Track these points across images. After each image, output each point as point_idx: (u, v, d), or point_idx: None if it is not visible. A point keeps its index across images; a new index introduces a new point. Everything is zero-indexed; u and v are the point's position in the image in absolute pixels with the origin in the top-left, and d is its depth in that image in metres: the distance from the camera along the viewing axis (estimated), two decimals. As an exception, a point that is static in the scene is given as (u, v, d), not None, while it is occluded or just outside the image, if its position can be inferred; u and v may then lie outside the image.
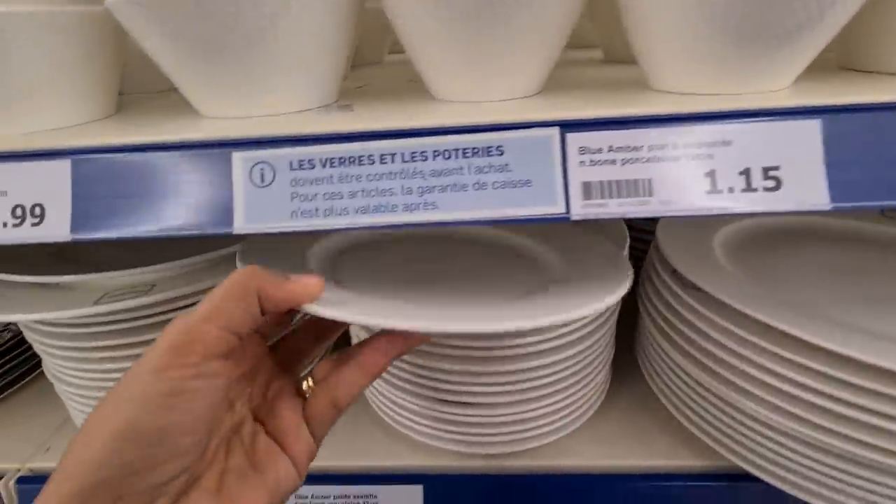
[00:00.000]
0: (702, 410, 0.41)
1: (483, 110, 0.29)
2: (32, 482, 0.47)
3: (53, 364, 0.44)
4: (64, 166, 0.28)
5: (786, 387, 0.34)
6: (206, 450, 0.24)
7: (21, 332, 0.56)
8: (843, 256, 0.46)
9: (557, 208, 0.25)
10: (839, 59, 0.36)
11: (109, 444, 0.20)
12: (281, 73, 0.31)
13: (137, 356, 0.41)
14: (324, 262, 0.40)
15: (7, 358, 0.54)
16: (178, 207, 0.28)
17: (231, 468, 0.25)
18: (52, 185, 0.28)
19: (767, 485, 0.37)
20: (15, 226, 0.28)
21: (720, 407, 0.39)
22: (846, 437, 0.32)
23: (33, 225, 0.28)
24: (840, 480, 0.34)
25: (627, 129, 0.25)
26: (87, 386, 0.43)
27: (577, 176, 0.25)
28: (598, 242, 0.43)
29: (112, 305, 0.36)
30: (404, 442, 0.46)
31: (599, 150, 0.26)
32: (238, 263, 0.34)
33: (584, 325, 0.41)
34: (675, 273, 0.41)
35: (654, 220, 0.51)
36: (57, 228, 0.28)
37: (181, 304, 0.39)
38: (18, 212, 0.28)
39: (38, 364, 0.57)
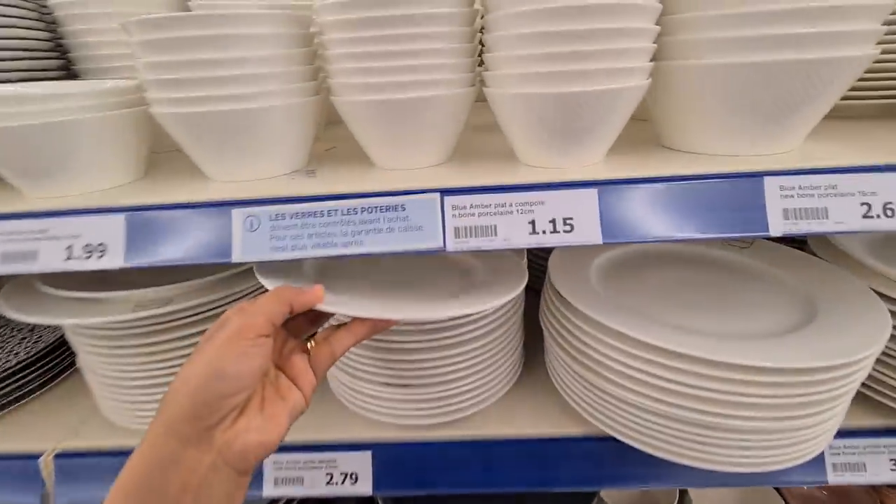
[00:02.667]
0: (580, 391, 0.55)
1: (398, 178, 0.44)
2: (67, 457, 0.60)
3: (90, 360, 0.58)
4: (119, 218, 0.43)
5: (630, 371, 0.48)
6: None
7: (53, 342, 0.70)
8: (688, 275, 0.62)
9: (439, 244, 0.40)
10: (658, 139, 0.52)
11: (203, 381, 0.34)
12: (264, 153, 0.46)
13: (157, 353, 0.55)
14: (316, 272, 0.56)
15: (45, 360, 0.68)
16: (195, 244, 0.42)
17: (267, 396, 0.39)
18: (112, 230, 0.43)
19: (625, 444, 0.51)
20: (86, 258, 0.43)
21: (590, 389, 0.53)
22: (673, 404, 0.46)
23: (98, 257, 0.42)
24: (674, 436, 0.48)
25: (482, 194, 0.41)
26: (115, 377, 0.56)
27: (451, 223, 0.41)
28: (512, 260, 0.58)
29: (147, 311, 0.50)
30: (357, 418, 0.60)
31: (465, 207, 0.41)
32: (256, 274, 0.48)
33: (491, 321, 0.55)
34: (555, 289, 0.56)
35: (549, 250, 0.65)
36: (114, 260, 0.42)
37: (195, 312, 0.54)
38: (88, 249, 0.43)
39: (69, 366, 0.71)
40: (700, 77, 0.41)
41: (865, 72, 0.48)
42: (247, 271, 0.59)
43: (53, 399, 0.68)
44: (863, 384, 0.52)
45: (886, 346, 0.50)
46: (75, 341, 0.58)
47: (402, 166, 0.49)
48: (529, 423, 0.58)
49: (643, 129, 0.56)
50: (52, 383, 0.68)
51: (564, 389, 0.57)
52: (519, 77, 0.40)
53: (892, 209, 0.39)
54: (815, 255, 0.62)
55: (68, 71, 0.61)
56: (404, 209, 0.41)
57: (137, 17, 0.41)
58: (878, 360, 0.52)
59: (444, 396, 0.56)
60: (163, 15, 0.41)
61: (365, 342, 0.53)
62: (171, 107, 0.43)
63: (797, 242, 0.68)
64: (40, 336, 0.73)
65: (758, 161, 0.42)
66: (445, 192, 0.41)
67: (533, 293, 0.63)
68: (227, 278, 0.57)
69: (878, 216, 0.39)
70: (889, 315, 0.47)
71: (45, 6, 0.58)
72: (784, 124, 0.42)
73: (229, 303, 0.56)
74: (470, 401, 0.57)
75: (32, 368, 0.66)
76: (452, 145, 0.50)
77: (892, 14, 0.50)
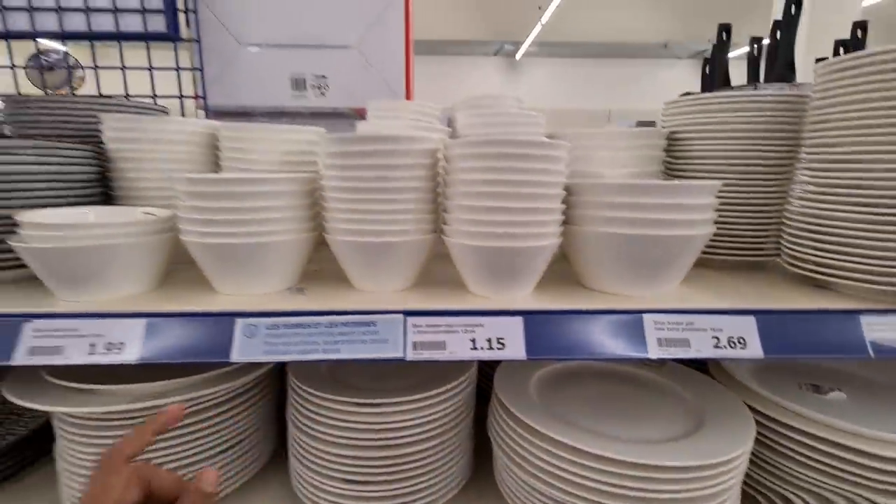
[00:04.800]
0: (520, 493, 0.62)
1: (371, 299, 0.57)
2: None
3: (72, 448, 0.62)
4: (141, 322, 0.53)
5: (558, 471, 0.57)
6: None
7: (32, 430, 0.73)
8: (610, 388, 0.73)
9: (399, 354, 0.51)
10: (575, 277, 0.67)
11: None
12: (267, 274, 0.59)
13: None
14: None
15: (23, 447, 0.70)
16: (201, 345, 0.52)
17: None
18: (132, 331, 0.52)
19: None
20: (105, 354, 0.51)
21: (529, 491, 0.61)
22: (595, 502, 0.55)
23: (117, 353, 0.51)
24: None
25: (435, 316, 0.53)
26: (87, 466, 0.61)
27: (411, 338, 0.52)
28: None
29: (151, 402, 0.57)
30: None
31: (422, 325, 0.53)
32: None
33: (437, 427, 0.64)
34: (498, 398, 0.66)
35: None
36: (131, 355, 0.51)
37: (191, 404, 0.61)
38: (109, 346, 0.51)
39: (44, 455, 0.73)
40: (598, 240, 0.57)
41: (717, 237, 0.67)
42: (238, 369, 0.67)
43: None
44: (746, 484, 0.63)
45: (754, 448, 0.61)
46: (63, 431, 0.63)
47: (376, 289, 0.61)
48: (474, 524, 0.64)
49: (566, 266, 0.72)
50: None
51: (508, 493, 0.64)
52: (466, 232, 0.56)
53: (734, 342, 0.53)
54: (711, 375, 0.75)
55: (106, 196, 0.74)
56: (375, 324, 0.53)
57: (187, 175, 0.56)
58: (751, 462, 0.63)
59: (396, 495, 0.62)
60: (205, 176, 0.56)
61: (326, 437, 0.61)
62: (200, 237, 0.56)
63: (700, 364, 0.81)
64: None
65: (641, 300, 0.57)
66: (408, 313, 0.53)
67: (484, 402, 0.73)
68: (219, 375, 0.65)
69: (725, 347, 0.53)
70: (754, 424, 0.60)
71: (100, 147, 0.73)
72: (659, 275, 0.58)
73: (220, 397, 0.64)
74: (421, 500, 0.63)
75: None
76: (417, 274, 0.64)
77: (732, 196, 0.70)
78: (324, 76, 1.19)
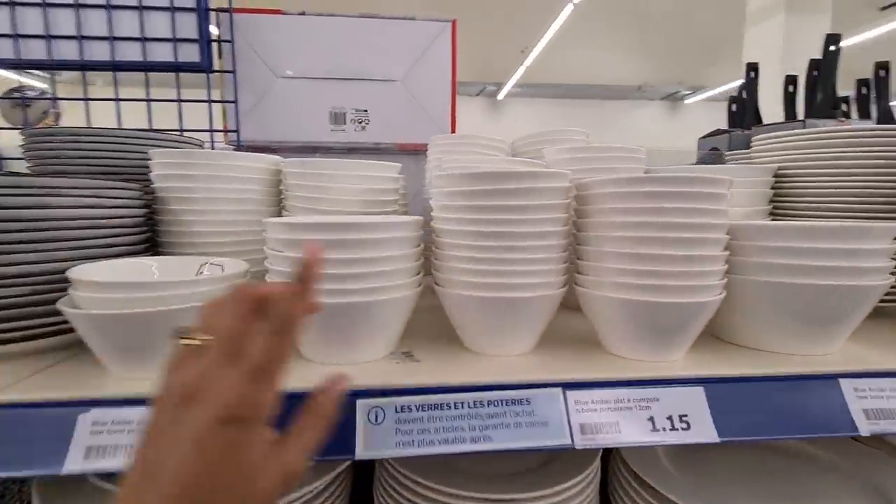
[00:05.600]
0: None
1: (497, 367, 0.47)
2: None
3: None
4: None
5: None
6: None
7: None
8: (758, 460, 0.64)
9: (566, 441, 0.41)
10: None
11: None
12: (371, 339, 0.48)
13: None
14: None
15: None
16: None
17: None
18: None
19: None
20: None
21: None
22: None
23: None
24: None
25: (600, 388, 0.43)
26: None
27: (575, 418, 0.42)
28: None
29: None
30: None
31: (587, 402, 0.43)
32: None
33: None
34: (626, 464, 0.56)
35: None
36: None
37: None
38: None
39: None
40: (761, 290, 0.49)
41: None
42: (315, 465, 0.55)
43: None
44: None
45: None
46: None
47: (497, 352, 0.51)
48: None
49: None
50: None
51: None
52: (615, 284, 0.47)
53: (947, 410, 0.45)
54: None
55: (152, 243, 0.63)
56: (528, 403, 0.43)
57: (286, 220, 0.46)
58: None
59: None
60: (306, 220, 0.46)
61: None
62: (302, 296, 0.45)
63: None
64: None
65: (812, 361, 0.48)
66: (567, 385, 0.43)
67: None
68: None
69: (939, 417, 0.45)
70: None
71: (147, 186, 0.62)
72: (830, 329, 0.50)
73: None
74: None
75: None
76: (542, 333, 0.54)
77: None
78: (365, 110, 1.11)
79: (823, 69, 1.25)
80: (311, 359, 0.49)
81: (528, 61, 6.73)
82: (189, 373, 0.26)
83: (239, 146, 1.05)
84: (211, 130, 1.03)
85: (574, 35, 5.59)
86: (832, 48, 1.23)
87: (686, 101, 9.09)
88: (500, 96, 8.87)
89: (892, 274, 0.51)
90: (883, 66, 1.29)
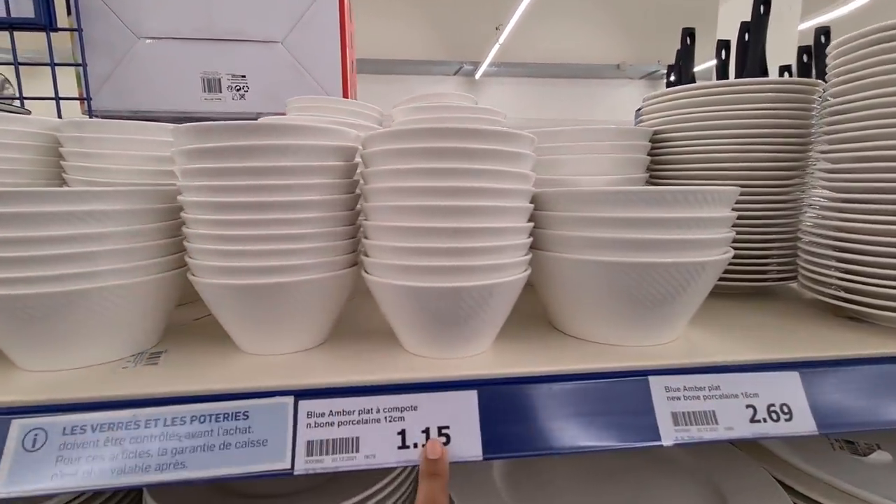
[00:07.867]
0: None
1: (248, 371, 0.38)
2: None
3: None
4: None
5: None
6: None
7: None
8: (607, 464, 0.56)
9: (284, 465, 0.32)
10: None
11: None
12: (87, 338, 0.38)
13: None
14: None
15: None
16: None
17: None
18: None
19: None
20: None
21: None
22: None
23: None
24: None
25: (343, 396, 0.34)
26: None
27: (304, 435, 0.33)
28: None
29: None
30: None
31: (324, 413, 0.34)
32: None
33: None
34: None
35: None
36: None
37: None
38: None
39: None
40: (575, 269, 0.41)
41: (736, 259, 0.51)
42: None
43: None
44: None
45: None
46: None
47: (266, 351, 0.42)
48: None
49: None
50: None
51: None
52: (393, 266, 0.38)
53: (776, 412, 0.37)
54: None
55: None
56: (247, 417, 0.34)
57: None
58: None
59: None
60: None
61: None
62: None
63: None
64: None
65: (639, 353, 0.40)
66: (300, 393, 0.34)
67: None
68: None
69: (765, 419, 0.37)
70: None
71: None
72: (661, 317, 0.42)
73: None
74: None
75: None
76: (329, 328, 0.45)
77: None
78: (243, 76, 1.00)
79: (753, 33, 1.16)
80: (21, 366, 0.39)
81: (502, 38, 6.55)
82: None
83: (91, 116, 0.93)
84: (56, 98, 0.90)
85: (548, 10, 5.42)
86: (761, 10, 1.14)
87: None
88: (478, 76, 8.67)
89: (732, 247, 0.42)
90: (824, 32, 1.20)
